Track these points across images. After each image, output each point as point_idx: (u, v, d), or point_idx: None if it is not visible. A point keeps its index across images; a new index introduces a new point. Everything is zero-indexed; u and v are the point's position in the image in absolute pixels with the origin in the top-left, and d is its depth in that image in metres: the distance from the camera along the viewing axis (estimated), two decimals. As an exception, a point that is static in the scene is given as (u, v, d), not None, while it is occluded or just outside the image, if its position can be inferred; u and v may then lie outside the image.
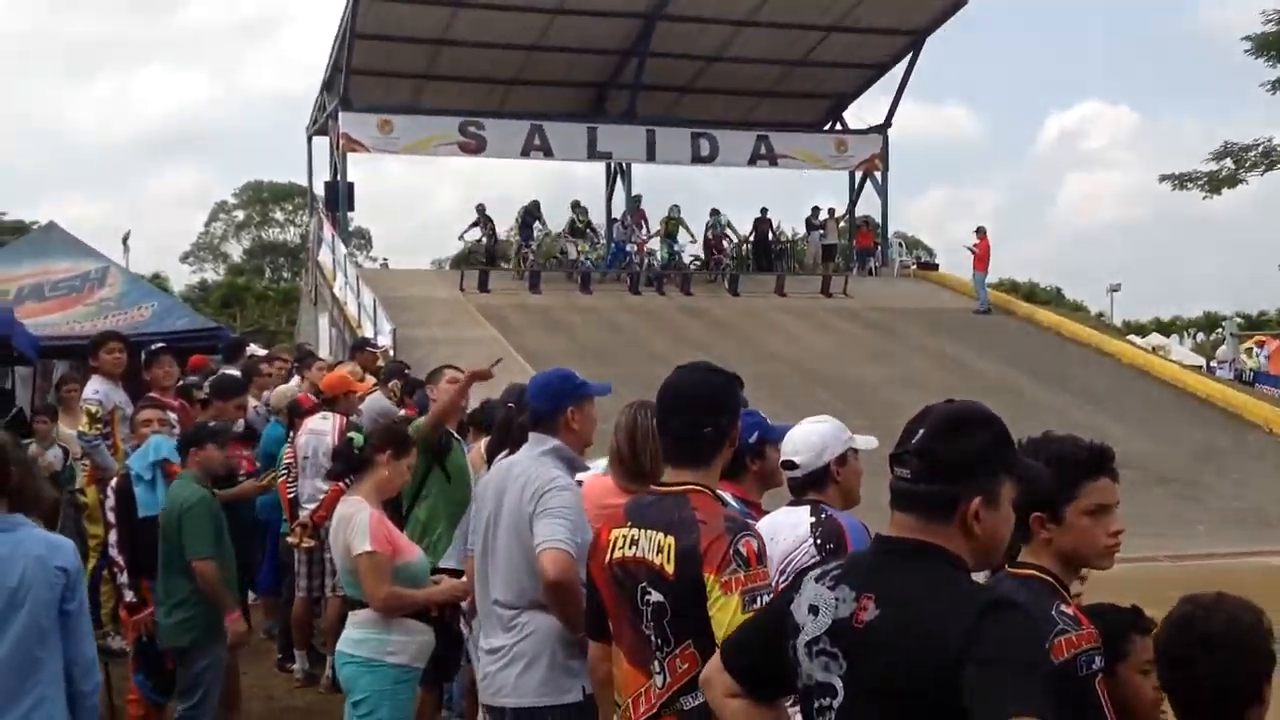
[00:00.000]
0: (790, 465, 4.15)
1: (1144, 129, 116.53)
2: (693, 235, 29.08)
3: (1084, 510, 2.94)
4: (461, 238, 28.56)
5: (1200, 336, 54.69)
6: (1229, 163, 41.21)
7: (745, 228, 30.33)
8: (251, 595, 8.61)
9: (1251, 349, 32.99)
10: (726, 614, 3.01)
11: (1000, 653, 2.19)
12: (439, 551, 6.25)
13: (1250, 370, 30.13)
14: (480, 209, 28.05)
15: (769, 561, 4.00)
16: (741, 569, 3.05)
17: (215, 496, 6.33)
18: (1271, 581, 11.99)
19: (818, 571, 2.55)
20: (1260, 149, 40.87)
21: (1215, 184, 41.48)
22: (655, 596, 3.17)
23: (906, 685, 2.27)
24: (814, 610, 2.46)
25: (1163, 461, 16.77)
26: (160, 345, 8.82)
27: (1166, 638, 2.88)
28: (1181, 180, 42.17)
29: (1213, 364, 32.13)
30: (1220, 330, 43.92)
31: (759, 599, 3.01)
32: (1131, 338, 32.83)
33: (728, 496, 4.30)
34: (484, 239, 27.89)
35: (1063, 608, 2.83)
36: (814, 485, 4.13)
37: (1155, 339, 41.20)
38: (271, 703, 8.01)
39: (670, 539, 3.15)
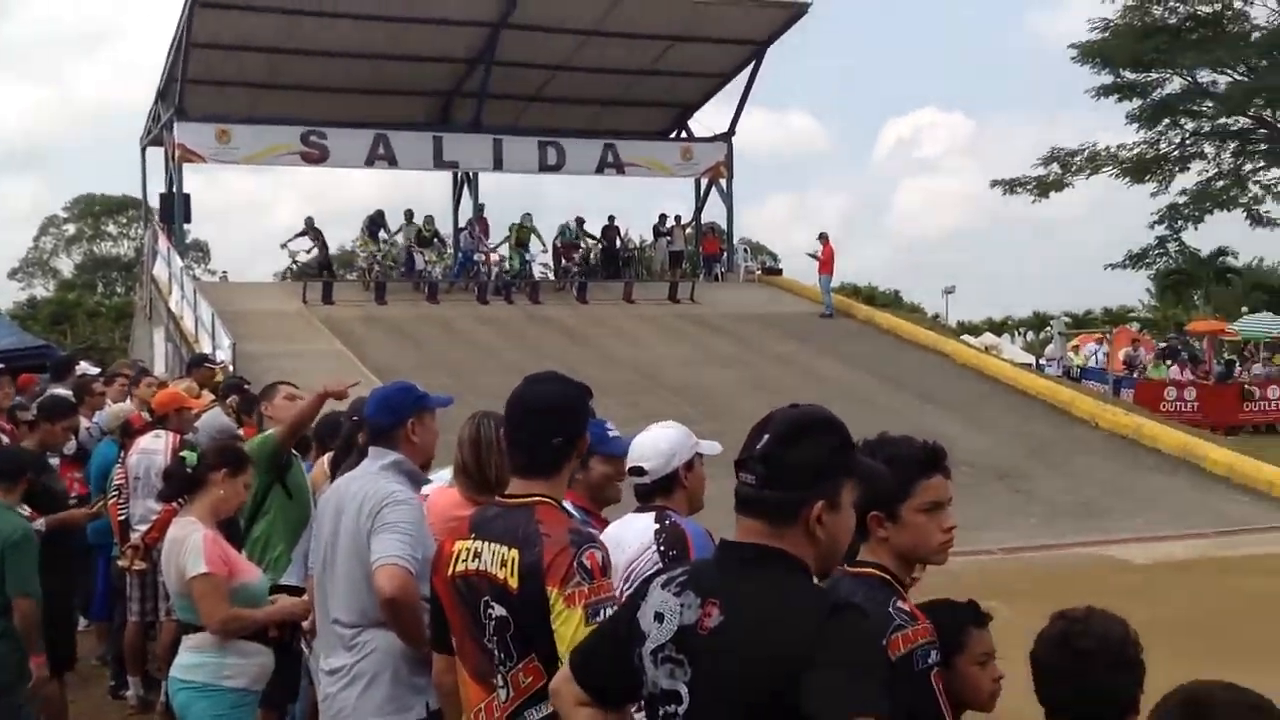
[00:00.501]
0: (639, 472, 4.15)
1: (977, 135, 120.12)
2: (544, 244, 29.10)
3: (919, 508, 3.00)
4: (284, 246, 28.21)
5: (1030, 335, 56.58)
6: (1056, 167, 42.91)
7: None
8: (83, 621, 8.36)
9: (1078, 347, 34.26)
10: (570, 628, 3.01)
11: (840, 656, 2.22)
12: (279, 569, 6.14)
13: (1077, 367, 31.31)
14: (309, 221, 27.78)
15: (615, 569, 4.07)
16: (585, 582, 3.04)
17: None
18: (1102, 571, 12.54)
19: (663, 578, 2.56)
20: (1085, 154, 42.62)
21: (1043, 188, 43.14)
22: (498, 610, 3.15)
23: (751, 690, 2.29)
24: (659, 617, 2.47)
25: (996, 457, 17.33)
26: None
27: (1044, 654, 2.96)
28: (1011, 185, 43.76)
29: (1042, 361, 33.29)
30: (1049, 329, 45.53)
31: (603, 612, 3.00)
32: (966, 338, 33.80)
33: (569, 506, 4.35)
34: (314, 250, 27.56)
35: (899, 604, 2.87)
36: (661, 491, 4.14)
37: (988, 338, 42.46)
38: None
39: (514, 552, 3.13)
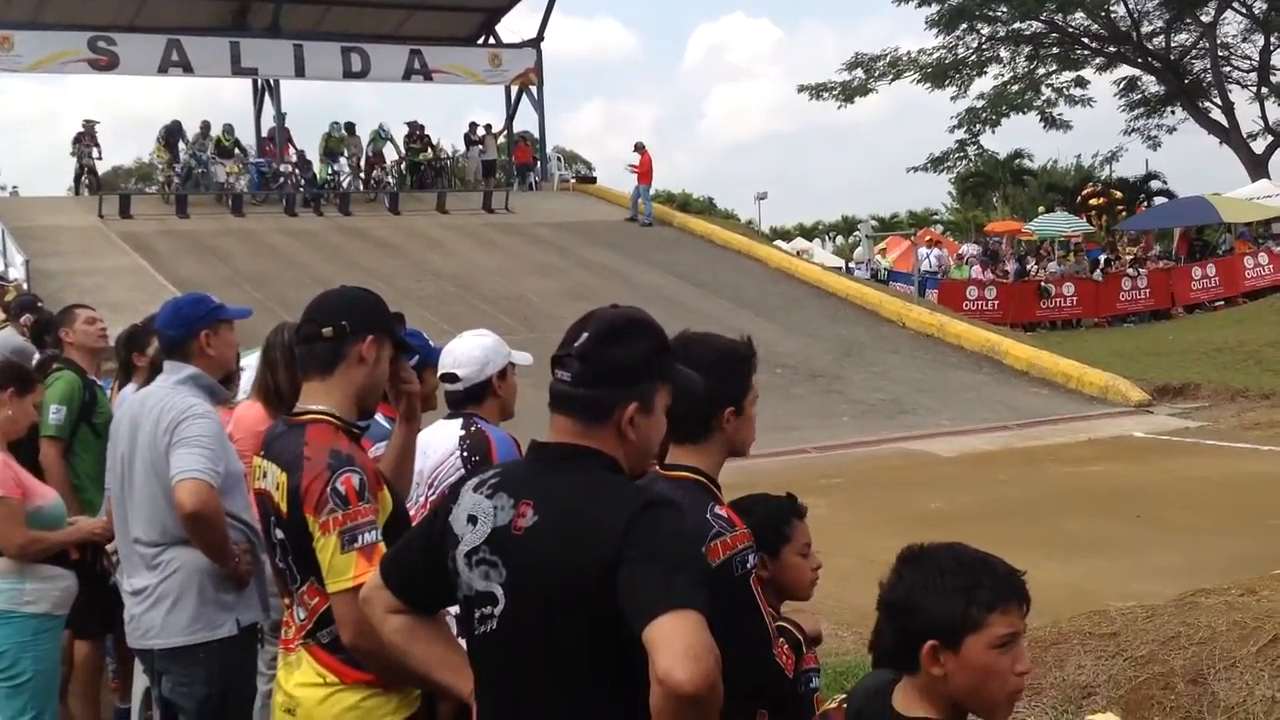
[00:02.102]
0: (452, 378, 4.13)
1: (785, 42, 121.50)
2: (351, 152, 28.42)
3: (752, 401, 3.03)
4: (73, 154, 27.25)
5: (840, 240, 57.92)
6: (860, 73, 43.67)
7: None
8: None
9: (885, 250, 35.21)
10: (326, 554, 2.94)
11: (654, 550, 2.22)
12: (95, 512, 5.88)
13: (885, 269, 32.20)
14: (86, 124, 26.82)
15: (420, 475, 4.03)
16: (340, 508, 2.95)
17: None
18: (910, 465, 13.02)
19: (475, 480, 2.52)
20: (887, 59, 43.47)
21: (849, 94, 43.90)
22: (279, 533, 3.09)
23: (567, 588, 2.29)
24: (472, 520, 2.45)
25: (809, 358, 17.77)
26: None
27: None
28: (817, 90, 44.42)
29: (851, 265, 34.13)
30: (857, 233, 46.66)
31: (359, 537, 2.93)
32: (778, 243, 34.42)
33: (380, 418, 4.28)
34: (79, 157, 26.74)
35: (717, 510, 2.85)
36: (473, 399, 4.13)
37: (799, 243, 43.38)
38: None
39: (284, 475, 3.04)
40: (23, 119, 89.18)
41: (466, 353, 4.16)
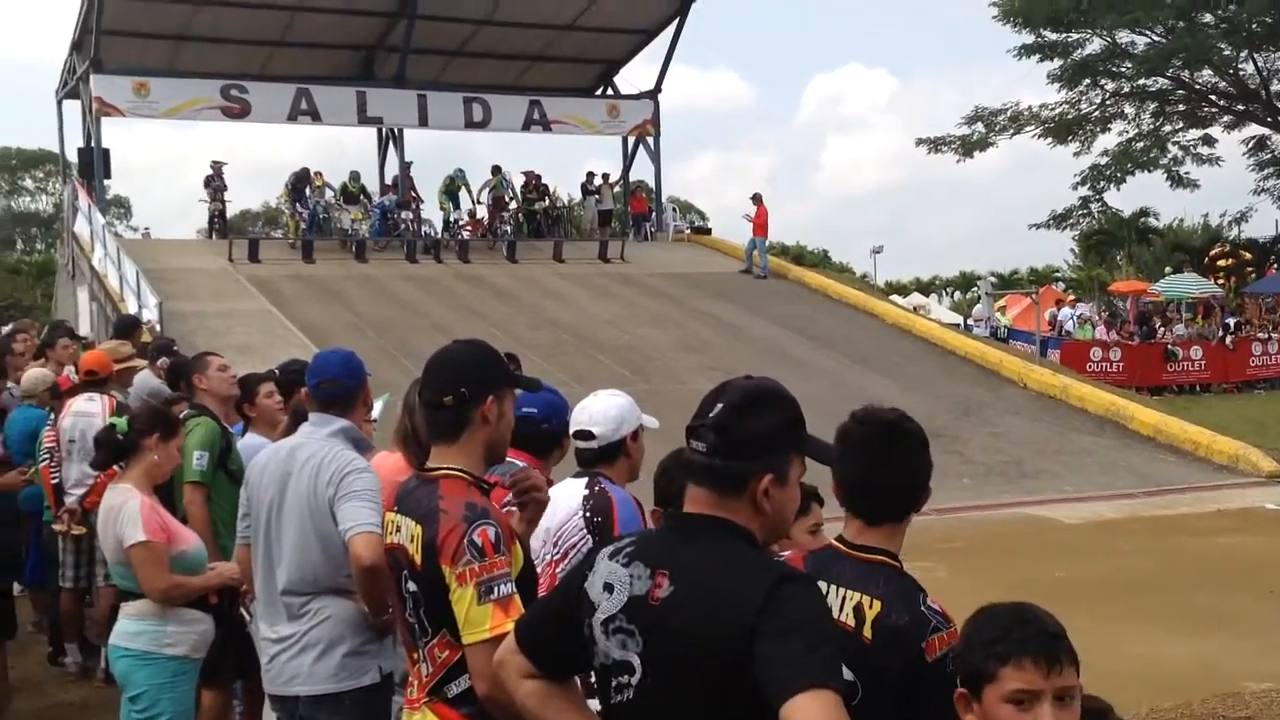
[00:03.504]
0: (586, 436, 4.14)
1: (901, 93, 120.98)
2: (474, 199, 28.83)
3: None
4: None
5: (957, 295, 57.20)
6: (980, 127, 43.21)
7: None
8: (17, 587, 8.16)
9: (1005, 307, 34.70)
10: (463, 606, 2.98)
11: (791, 626, 2.22)
12: (229, 557, 5.98)
13: (1005, 327, 31.70)
14: (215, 165, 27.69)
15: (547, 532, 4.05)
16: (476, 559, 2.98)
17: None
18: (1032, 530, 12.73)
19: (610, 549, 2.54)
20: (1008, 113, 42.98)
21: (968, 147, 43.44)
22: (412, 586, 3.13)
23: (703, 660, 2.29)
24: (609, 588, 2.46)
25: (926, 417, 17.19)
26: None
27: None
28: (936, 144, 44.03)
29: (969, 321, 33.66)
30: (976, 289, 46.04)
31: (496, 589, 2.96)
32: (894, 298, 34.11)
33: (518, 462, 4.31)
34: (208, 201, 27.44)
35: (930, 603, 2.78)
36: (605, 459, 4.14)
37: (916, 298, 42.87)
38: (44, 698, 7.65)
39: (419, 528, 3.09)
40: (153, 163, 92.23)
41: (603, 411, 4.17)
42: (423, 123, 29.84)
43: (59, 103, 29.65)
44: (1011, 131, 43.21)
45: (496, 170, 29.60)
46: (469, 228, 27.74)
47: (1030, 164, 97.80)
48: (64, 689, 7.77)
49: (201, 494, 5.88)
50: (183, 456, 5.73)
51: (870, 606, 2.76)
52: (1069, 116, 42.79)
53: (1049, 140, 43.18)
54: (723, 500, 2.42)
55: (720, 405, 2.44)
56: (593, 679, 2.63)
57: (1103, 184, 43.72)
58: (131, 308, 18.99)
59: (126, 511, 4.80)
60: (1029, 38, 41.50)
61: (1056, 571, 10.44)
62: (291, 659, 4.21)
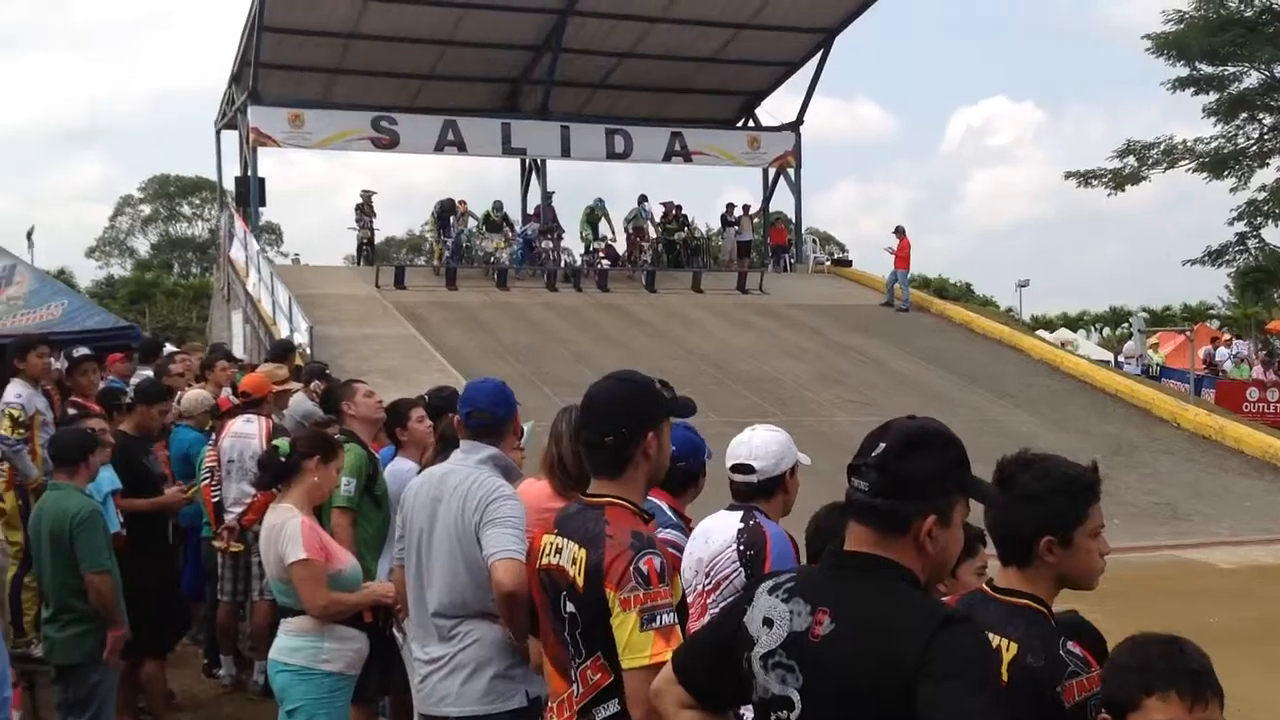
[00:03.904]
0: (747, 470, 4.16)
1: (1049, 126, 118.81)
2: (612, 230, 29.12)
3: (1090, 533, 2.88)
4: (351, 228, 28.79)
5: (1106, 331, 55.81)
6: (1132, 160, 42.15)
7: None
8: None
9: (1157, 344, 33.74)
10: (624, 631, 3.01)
11: (954, 669, 2.22)
12: (371, 579, 6.09)
13: (1157, 365, 30.81)
14: (365, 194, 28.42)
15: (699, 563, 4.07)
16: (641, 587, 3.02)
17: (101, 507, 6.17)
18: (1185, 575, 12.32)
19: (769, 583, 2.55)
20: (1161, 147, 41.86)
21: (1119, 181, 42.37)
22: (571, 607, 3.16)
23: (863, 699, 2.29)
24: (768, 623, 2.47)
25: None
26: (85, 353, 8.61)
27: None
28: (1086, 177, 43.05)
29: (1120, 359, 32.78)
30: (1126, 325, 44.87)
31: (658, 618, 3.00)
32: (1040, 333, 33.41)
33: (663, 505, 4.34)
34: (356, 229, 28.14)
35: (1070, 646, 2.74)
36: (763, 492, 4.16)
37: (1063, 334, 41.93)
38: (199, 710, 7.88)
39: (583, 552, 3.14)
40: (302, 190, 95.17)
41: (764, 446, 4.20)
42: (565, 154, 30.32)
43: (218, 133, 30.82)
44: (1165, 166, 42.04)
45: (643, 199, 29.82)
46: (604, 256, 28.03)
47: (1184, 199, 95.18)
48: (217, 701, 8.01)
49: (349, 519, 6.00)
50: None
51: (1007, 649, 2.73)
52: (1225, 151, 41.48)
53: (1204, 175, 41.92)
54: (885, 539, 2.42)
55: (883, 445, 2.44)
56: (745, 712, 2.65)
57: (1260, 220, 42.19)
58: (284, 331, 19.58)
59: (288, 530, 4.93)
60: (1184, 70, 40.44)
61: (1210, 617, 10.10)
62: (442, 680, 4.29)
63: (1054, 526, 2.83)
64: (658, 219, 30.13)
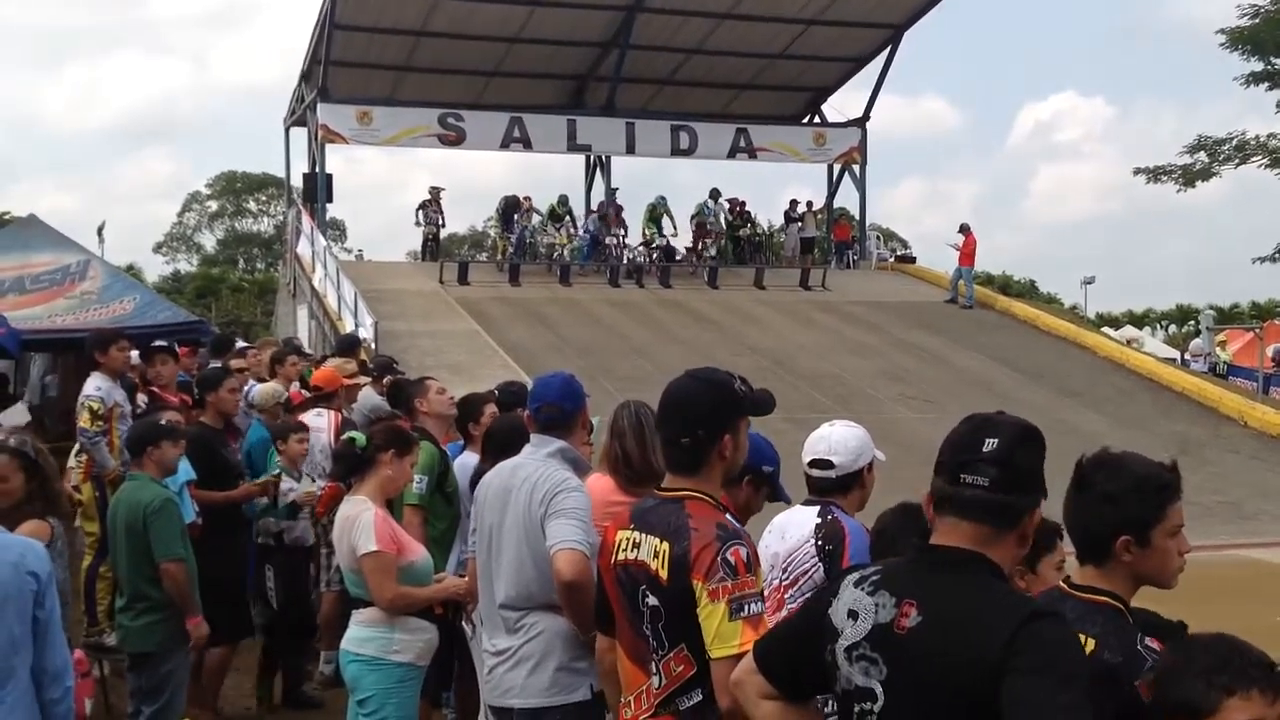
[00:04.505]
0: (826, 465, 4.21)
1: (1118, 121, 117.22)
2: (675, 227, 29.15)
3: (1169, 532, 2.87)
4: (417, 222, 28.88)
5: (1173, 329, 55.01)
6: (1203, 156, 41.40)
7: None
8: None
9: (1225, 341, 33.17)
10: (713, 621, 3.05)
11: (1041, 663, 2.24)
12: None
13: (1224, 363, 30.32)
14: (433, 191, 28.49)
15: (776, 557, 4.11)
16: (729, 577, 3.06)
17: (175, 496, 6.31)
18: (1251, 574, 12.16)
19: (855, 576, 2.59)
20: (1234, 143, 41.14)
21: (1189, 177, 41.68)
22: (652, 600, 3.21)
23: (948, 691, 2.32)
24: (853, 615, 2.51)
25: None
26: (161, 344, 8.78)
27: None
28: (1155, 174, 42.37)
29: (1186, 357, 32.31)
30: (1194, 323, 44.20)
31: (746, 607, 3.04)
32: (1105, 330, 33.00)
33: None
34: (422, 224, 28.30)
35: (1148, 642, 2.74)
36: (841, 488, 4.22)
37: (1129, 331, 41.35)
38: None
39: (665, 545, 3.18)
40: (366, 186, 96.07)
41: (843, 442, 4.25)
42: (630, 150, 30.39)
43: (286, 130, 31.21)
44: (1237, 161, 41.33)
45: (715, 194, 29.82)
46: (663, 254, 28.08)
47: (1255, 195, 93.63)
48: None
49: (420, 516, 6.10)
50: None
51: (1085, 645, 2.70)
52: (1300, 146, 40.74)
53: (1277, 171, 41.21)
54: (994, 534, 2.46)
55: (997, 440, 2.46)
56: (828, 704, 2.69)
57: (1334, 216, 41.43)
58: (349, 326, 19.79)
59: (362, 522, 5.03)
60: (1258, 65, 39.75)
61: (1276, 616, 9.99)
62: (508, 671, 4.35)
63: (1131, 526, 2.82)
64: (721, 215, 30.06)
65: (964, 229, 26.78)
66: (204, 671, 7.04)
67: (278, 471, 7.62)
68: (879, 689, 2.44)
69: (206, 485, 7.27)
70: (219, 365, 9.49)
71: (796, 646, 2.65)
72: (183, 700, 6.27)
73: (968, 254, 26.53)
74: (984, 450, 2.46)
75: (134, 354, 8.76)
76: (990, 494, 2.45)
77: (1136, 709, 2.64)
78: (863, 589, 2.53)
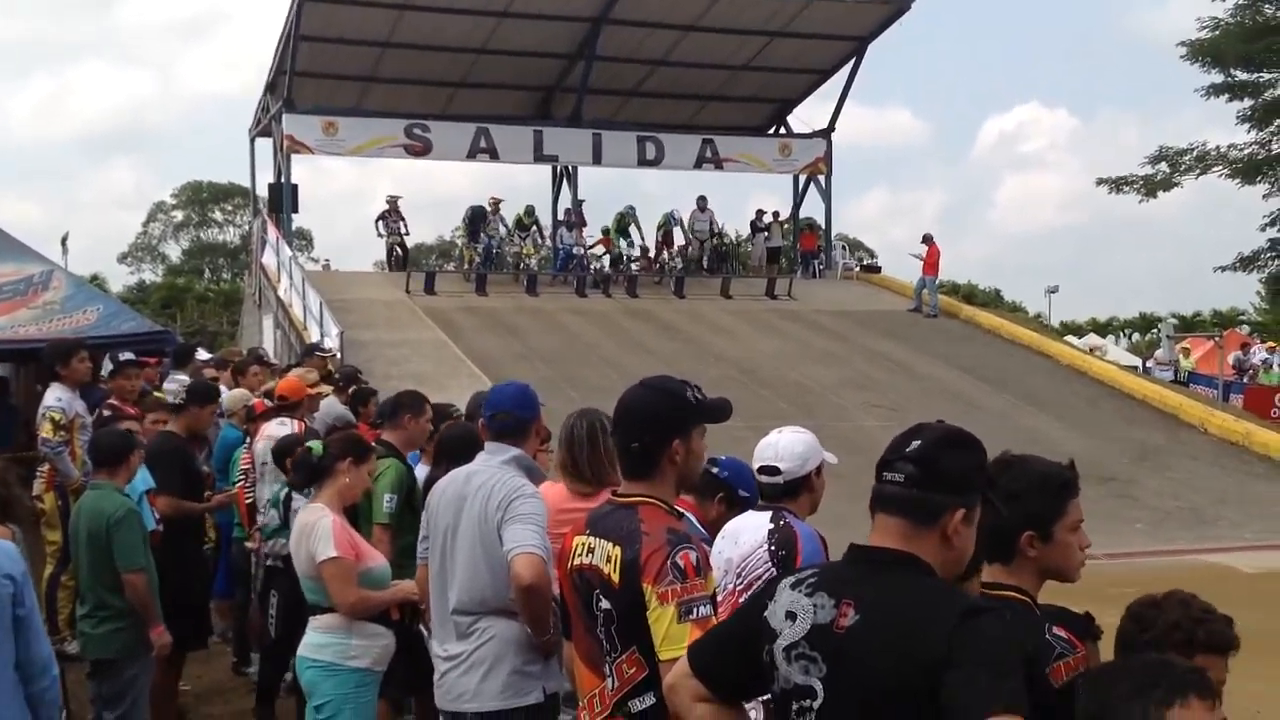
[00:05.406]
0: (773, 471, 4.28)
1: (1081, 132, 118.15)
2: (643, 236, 29.23)
3: (1070, 527, 3.02)
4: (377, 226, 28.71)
5: (1136, 337, 55.51)
6: (1164, 166, 41.88)
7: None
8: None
9: (1188, 349, 33.53)
10: (663, 624, 3.10)
11: (980, 655, 2.29)
12: None
13: (1186, 371, 30.67)
14: (390, 200, 28.41)
15: (729, 564, 4.18)
16: (678, 580, 3.12)
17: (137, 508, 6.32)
18: (1208, 579, 12.30)
19: (791, 579, 2.64)
20: (1195, 153, 41.58)
21: (1151, 187, 42.12)
22: (605, 604, 3.26)
23: (888, 687, 2.37)
24: (791, 616, 2.55)
25: (1101, 461, 17.07)
26: (130, 357, 8.80)
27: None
28: (1118, 184, 42.80)
29: (1149, 364, 32.65)
30: (1156, 331, 44.59)
31: (695, 610, 3.09)
32: (1069, 338, 33.29)
33: (691, 518, 4.46)
34: (384, 235, 28.24)
35: (1055, 630, 2.87)
36: (789, 493, 4.29)
37: (1092, 339, 41.71)
38: (228, 705, 8.03)
39: (618, 549, 3.23)
40: (333, 196, 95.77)
41: (789, 447, 4.32)
42: (596, 161, 30.43)
43: (252, 140, 31.09)
44: (1198, 172, 41.77)
45: (703, 201, 29.93)
46: (640, 264, 28.14)
47: (1217, 205, 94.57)
48: (247, 698, 8.11)
49: (389, 534, 6.11)
50: (373, 498, 6.11)
51: None
52: (1259, 157, 41.19)
53: (1237, 181, 41.65)
54: (914, 532, 2.50)
55: (919, 441, 2.54)
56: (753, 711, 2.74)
57: (1293, 226, 41.89)
58: (314, 336, 19.76)
59: (319, 529, 5.08)
60: (1218, 77, 40.23)
61: (1236, 623, 10.13)
62: (460, 676, 4.40)
63: (1034, 522, 2.96)
64: (687, 225, 30.16)
65: (927, 239, 26.96)
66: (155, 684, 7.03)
67: (240, 479, 7.64)
68: (819, 686, 2.48)
69: (182, 496, 7.33)
70: (208, 381, 9.49)
71: (732, 649, 2.69)
72: (145, 707, 6.27)
73: (931, 263, 26.70)
74: (907, 450, 2.54)
75: (108, 366, 8.78)
76: (906, 489, 2.52)
77: (1047, 694, 2.74)
78: (800, 590, 2.57)
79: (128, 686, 6.03)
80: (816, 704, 2.49)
